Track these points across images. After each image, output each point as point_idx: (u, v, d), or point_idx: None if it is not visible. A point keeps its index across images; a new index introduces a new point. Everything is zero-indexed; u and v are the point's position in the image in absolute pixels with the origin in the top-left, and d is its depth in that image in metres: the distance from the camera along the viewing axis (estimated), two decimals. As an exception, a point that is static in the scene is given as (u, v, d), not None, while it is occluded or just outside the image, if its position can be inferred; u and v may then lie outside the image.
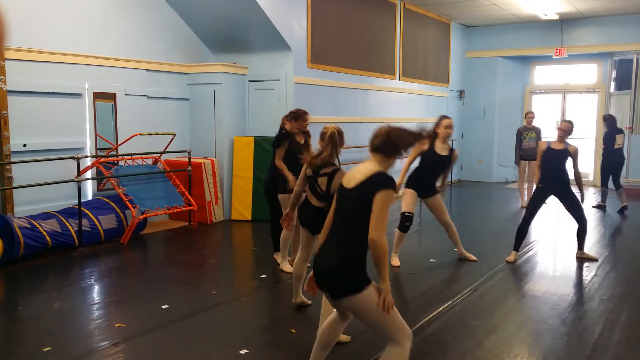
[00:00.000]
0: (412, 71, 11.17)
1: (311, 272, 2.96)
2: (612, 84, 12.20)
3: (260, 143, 7.84)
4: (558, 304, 4.64)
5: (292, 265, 5.37)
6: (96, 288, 5.09)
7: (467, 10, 11.34)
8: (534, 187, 6.15)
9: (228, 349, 3.67)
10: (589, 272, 5.68)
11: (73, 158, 6.36)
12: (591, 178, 12.25)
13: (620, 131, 9.51)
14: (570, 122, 5.95)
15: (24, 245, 5.59)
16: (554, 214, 8.31)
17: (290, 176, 5.21)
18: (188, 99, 8.37)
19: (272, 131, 6.10)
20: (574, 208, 5.87)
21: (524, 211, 8.83)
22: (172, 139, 7.54)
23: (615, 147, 9.21)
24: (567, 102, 12.94)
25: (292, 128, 5.36)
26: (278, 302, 4.75)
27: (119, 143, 7.18)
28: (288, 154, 5.35)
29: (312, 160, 4.09)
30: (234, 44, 8.31)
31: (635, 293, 5.02)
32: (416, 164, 5.77)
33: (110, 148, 7.17)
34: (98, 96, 7.12)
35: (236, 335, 3.92)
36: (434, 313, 4.37)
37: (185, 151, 7.78)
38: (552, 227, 7.72)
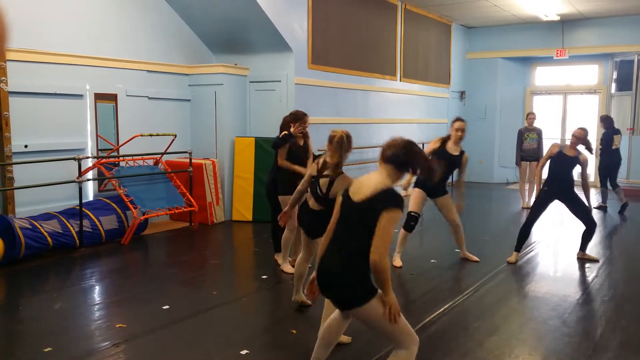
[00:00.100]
0: (412, 72, 11.18)
1: (312, 275, 2.94)
2: (613, 85, 12.20)
3: (261, 144, 7.85)
4: (559, 304, 4.64)
5: (293, 266, 5.38)
6: (97, 289, 5.10)
7: (468, 12, 11.34)
8: (535, 187, 6.14)
9: (229, 350, 3.67)
10: (590, 272, 5.67)
11: (74, 159, 6.37)
12: (592, 179, 12.23)
13: (618, 132, 9.54)
14: (584, 130, 5.95)
15: (25, 245, 5.59)
16: (556, 216, 8.30)
17: (298, 168, 5.23)
18: (189, 100, 8.37)
19: (273, 132, 6.11)
20: (581, 211, 5.84)
21: (525, 212, 8.84)
22: (173, 139, 7.55)
23: (613, 147, 9.22)
24: (568, 103, 12.94)
25: (296, 131, 5.36)
26: (279, 303, 4.75)
27: (120, 144, 7.18)
28: (288, 155, 5.36)
29: (324, 163, 4.02)
30: (234, 44, 8.32)
31: (636, 294, 5.01)
32: None
33: (111, 149, 7.18)
34: (99, 97, 7.13)
35: (237, 335, 3.92)
36: (435, 314, 4.37)
37: (186, 152, 7.79)
38: (553, 228, 7.71)
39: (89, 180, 6.84)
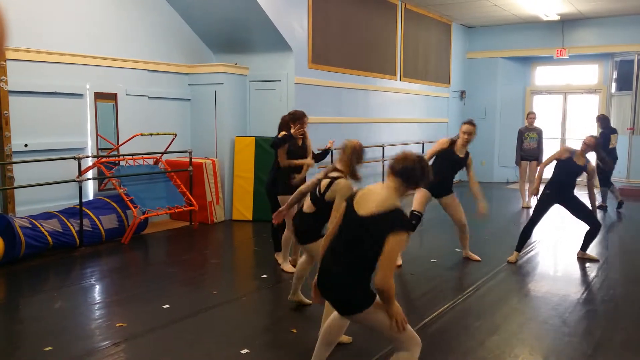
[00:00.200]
0: (413, 72, 11.18)
1: (315, 280, 2.92)
2: (613, 85, 12.20)
3: (261, 143, 7.85)
4: (559, 304, 4.64)
5: (293, 266, 5.39)
6: (97, 288, 5.09)
7: (468, 11, 11.34)
8: (534, 186, 6.14)
9: (229, 349, 3.67)
10: (591, 272, 5.67)
11: (74, 158, 6.36)
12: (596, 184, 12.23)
13: (614, 131, 9.57)
14: (596, 138, 5.95)
15: (25, 245, 5.59)
16: (556, 216, 8.29)
17: (300, 161, 5.33)
18: (189, 100, 8.37)
19: (273, 132, 6.10)
20: (583, 213, 5.85)
21: (525, 211, 8.84)
22: (173, 139, 7.54)
23: (610, 146, 9.23)
24: (568, 102, 12.94)
25: (296, 132, 5.36)
26: (279, 302, 4.74)
27: (120, 143, 7.18)
28: (288, 155, 5.38)
29: (333, 168, 3.97)
30: (235, 44, 8.32)
31: (637, 294, 5.01)
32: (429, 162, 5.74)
33: (111, 148, 7.17)
34: (99, 96, 7.12)
35: (237, 335, 3.92)
36: (436, 313, 4.37)
37: (186, 151, 7.78)
38: (553, 227, 7.71)
39: (89, 179, 6.83)
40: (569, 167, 5.77)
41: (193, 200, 7.48)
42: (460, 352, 3.69)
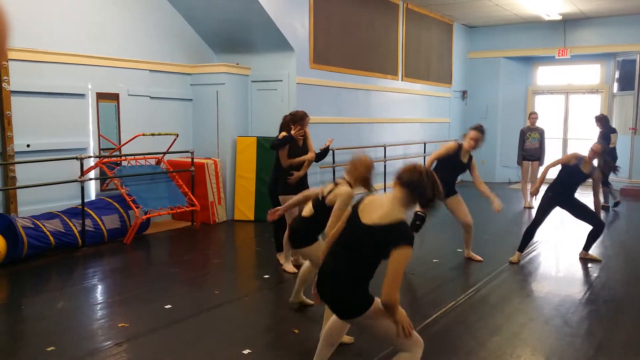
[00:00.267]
0: (414, 72, 11.17)
1: (314, 281, 2.92)
2: (615, 85, 12.18)
3: (262, 143, 7.85)
4: (561, 304, 4.64)
5: (294, 266, 5.39)
6: (99, 288, 5.10)
7: (470, 11, 11.33)
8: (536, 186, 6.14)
9: (231, 349, 3.67)
10: (593, 273, 5.67)
11: (76, 158, 6.37)
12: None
13: (614, 130, 9.57)
14: (603, 145, 5.94)
15: (28, 245, 5.60)
16: (557, 216, 8.28)
17: (301, 158, 5.38)
18: (191, 100, 8.38)
19: (274, 132, 6.11)
20: (585, 214, 5.85)
21: (527, 211, 8.84)
22: (175, 139, 7.55)
23: (611, 146, 9.23)
24: (570, 102, 12.92)
25: (296, 134, 5.36)
26: (281, 302, 4.74)
27: (122, 143, 7.19)
28: (288, 156, 5.40)
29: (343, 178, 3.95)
30: (236, 44, 8.32)
31: (639, 294, 5.01)
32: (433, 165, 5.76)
33: (113, 148, 7.18)
34: (101, 96, 7.13)
35: (239, 335, 3.92)
36: (438, 313, 4.37)
37: (188, 151, 7.79)
38: (555, 228, 7.70)
39: (91, 179, 6.84)
40: (574, 173, 5.78)
41: (195, 200, 7.49)
42: (462, 352, 3.69)
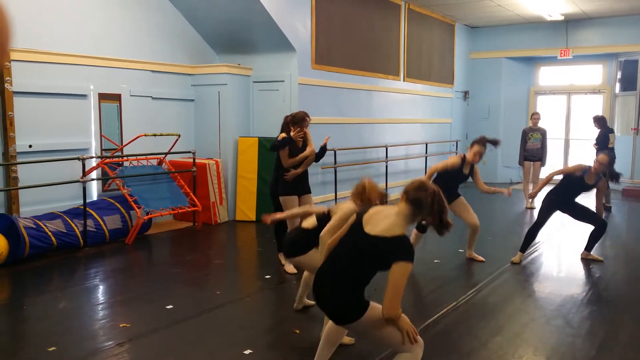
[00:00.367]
0: (416, 72, 11.17)
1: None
2: (618, 85, 12.16)
3: (264, 144, 7.85)
4: (563, 305, 4.63)
5: (295, 267, 5.39)
6: (101, 288, 5.11)
7: (472, 11, 11.33)
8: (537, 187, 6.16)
9: (232, 349, 3.67)
10: (594, 273, 5.66)
11: (78, 159, 6.38)
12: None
13: (612, 130, 9.57)
14: (609, 156, 5.93)
15: (29, 245, 5.61)
16: (560, 217, 8.28)
17: (302, 154, 5.41)
18: (193, 100, 8.39)
19: (276, 132, 6.12)
20: (587, 216, 5.87)
21: (528, 212, 8.83)
22: (177, 139, 7.56)
23: (610, 146, 9.23)
24: (572, 103, 12.91)
25: (295, 135, 5.37)
26: (282, 303, 4.75)
27: (124, 144, 7.20)
28: (288, 157, 5.40)
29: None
30: (238, 45, 8.33)
31: (641, 294, 5.00)
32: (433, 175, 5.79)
33: (115, 149, 7.19)
34: (103, 97, 7.14)
35: (241, 335, 3.93)
36: (439, 314, 4.36)
37: (189, 152, 7.80)
38: (557, 228, 7.69)
39: (93, 180, 6.85)
40: (577, 183, 5.80)
41: (196, 200, 7.49)
42: (463, 353, 3.69)
